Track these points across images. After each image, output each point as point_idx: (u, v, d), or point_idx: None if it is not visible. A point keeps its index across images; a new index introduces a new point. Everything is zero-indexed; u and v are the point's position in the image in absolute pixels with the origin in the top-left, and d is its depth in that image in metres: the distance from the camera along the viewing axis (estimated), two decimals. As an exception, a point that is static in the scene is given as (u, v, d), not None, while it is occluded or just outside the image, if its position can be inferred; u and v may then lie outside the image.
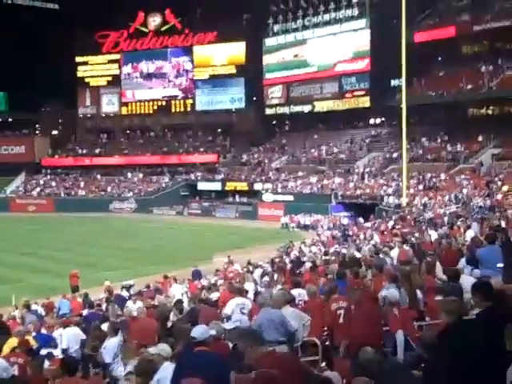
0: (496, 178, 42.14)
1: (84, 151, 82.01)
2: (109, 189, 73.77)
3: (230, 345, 7.77)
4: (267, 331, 7.69)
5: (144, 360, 6.77)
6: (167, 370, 6.54)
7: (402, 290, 9.54)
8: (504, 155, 46.75)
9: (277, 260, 24.38)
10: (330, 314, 9.10)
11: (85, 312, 17.95)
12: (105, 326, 11.40)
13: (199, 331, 6.64)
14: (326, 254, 22.39)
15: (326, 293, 10.12)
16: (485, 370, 4.92)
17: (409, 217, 39.08)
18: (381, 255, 16.91)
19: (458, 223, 29.94)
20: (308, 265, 18.47)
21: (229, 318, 10.65)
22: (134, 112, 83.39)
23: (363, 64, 64.61)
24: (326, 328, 9.56)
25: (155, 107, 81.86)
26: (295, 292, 11.19)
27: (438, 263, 12.73)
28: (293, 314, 9.13)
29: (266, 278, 15.82)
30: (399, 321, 8.20)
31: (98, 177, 77.29)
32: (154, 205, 67.05)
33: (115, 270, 31.76)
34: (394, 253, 17.56)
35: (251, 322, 9.84)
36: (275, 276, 16.81)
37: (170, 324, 10.76)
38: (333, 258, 20.21)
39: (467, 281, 9.51)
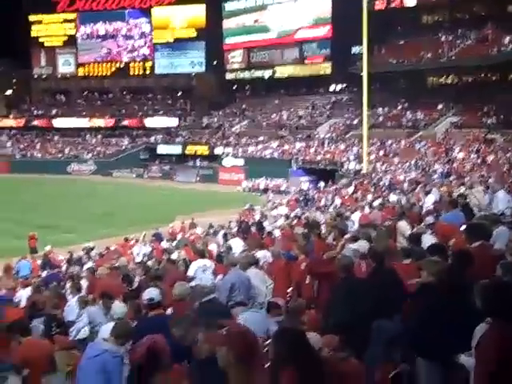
0: (454, 146, 42.79)
1: (40, 112, 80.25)
2: (66, 151, 72.48)
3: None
4: (238, 292, 7.73)
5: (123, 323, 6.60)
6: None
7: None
8: (462, 123, 47.41)
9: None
10: (299, 273, 9.22)
11: (44, 273, 17.82)
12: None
13: (154, 293, 6.67)
14: (287, 217, 22.54)
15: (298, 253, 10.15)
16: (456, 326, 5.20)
17: (366, 182, 39.70)
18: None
19: (418, 189, 30.54)
20: (270, 228, 18.60)
21: (191, 279, 10.69)
22: (91, 74, 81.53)
23: (324, 30, 64.36)
24: (290, 289, 9.69)
25: (113, 69, 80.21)
26: (260, 254, 11.25)
27: (403, 223, 12.98)
28: (257, 276, 9.24)
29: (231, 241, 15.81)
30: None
31: (55, 138, 75.83)
32: (114, 167, 66.19)
33: (74, 232, 31.50)
34: (356, 216, 17.81)
35: (216, 281, 9.90)
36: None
37: (135, 285, 10.72)
38: (295, 221, 20.37)
39: (429, 241, 9.75)
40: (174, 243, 19.19)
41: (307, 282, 8.89)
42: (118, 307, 7.58)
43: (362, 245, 9.09)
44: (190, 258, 13.11)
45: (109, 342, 5.74)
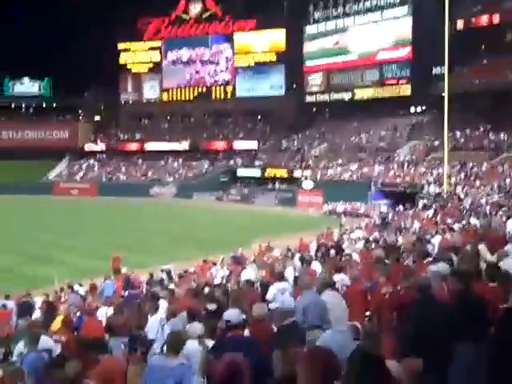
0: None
1: (126, 136, 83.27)
2: (149, 173, 74.75)
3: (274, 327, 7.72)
4: (312, 315, 7.78)
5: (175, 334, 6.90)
6: (190, 348, 6.79)
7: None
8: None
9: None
10: (379, 296, 9.22)
11: (126, 293, 18.39)
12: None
13: (233, 314, 6.76)
14: (367, 240, 22.42)
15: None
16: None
17: (449, 205, 38.91)
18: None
19: (500, 212, 29.75)
20: (349, 251, 18.61)
21: (271, 301, 10.80)
22: (174, 98, 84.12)
23: (404, 52, 63.97)
24: (367, 313, 9.67)
25: (196, 93, 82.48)
26: (337, 277, 11.25)
27: (482, 247, 12.79)
28: (334, 299, 9.19)
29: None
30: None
31: (139, 161, 78.34)
32: (194, 190, 67.66)
33: (154, 253, 32.25)
34: (436, 240, 17.58)
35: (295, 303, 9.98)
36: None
37: (214, 307, 10.92)
38: (373, 245, 20.28)
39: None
40: (253, 265, 19.41)
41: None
42: (195, 327, 7.83)
43: (443, 267, 8.88)
44: (268, 280, 13.26)
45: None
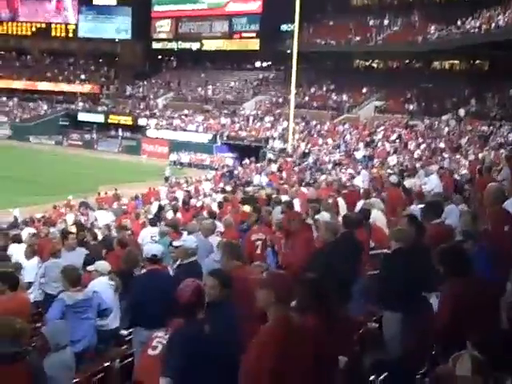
0: (378, 130, 43.75)
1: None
2: (-21, 112, 69.40)
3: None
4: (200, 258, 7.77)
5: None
6: (100, 283, 7.40)
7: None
8: (386, 108, 48.55)
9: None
10: (249, 244, 9.35)
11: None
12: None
13: (157, 249, 7.06)
14: (223, 191, 22.54)
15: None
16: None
17: (290, 159, 40.21)
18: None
19: (343, 170, 31.24)
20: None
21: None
22: (9, 32, 77.98)
23: (255, 5, 64.12)
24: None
25: (34, 29, 77.00)
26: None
27: (340, 200, 13.55)
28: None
29: (170, 213, 15.65)
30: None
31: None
32: (31, 133, 63.86)
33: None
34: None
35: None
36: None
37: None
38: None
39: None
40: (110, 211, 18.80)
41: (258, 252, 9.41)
42: (103, 264, 8.06)
43: (326, 215, 9.54)
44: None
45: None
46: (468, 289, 5.15)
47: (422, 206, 9.60)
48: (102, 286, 7.40)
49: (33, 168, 43.98)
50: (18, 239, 12.45)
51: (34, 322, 8.03)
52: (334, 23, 57.57)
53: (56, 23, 76.34)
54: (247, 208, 12.34)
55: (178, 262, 7.56)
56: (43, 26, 76.41)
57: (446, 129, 39.16)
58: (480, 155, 25.46)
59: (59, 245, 10.10)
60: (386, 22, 53.84)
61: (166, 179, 39.30)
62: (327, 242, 7.71)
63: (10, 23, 77.54)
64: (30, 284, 9.49)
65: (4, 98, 72.02)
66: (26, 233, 14.39)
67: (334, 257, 7.11)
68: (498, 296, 5.23)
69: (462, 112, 41.00)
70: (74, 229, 11.69)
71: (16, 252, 11.10)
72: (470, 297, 5.10)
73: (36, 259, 9.89)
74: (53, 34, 76.37)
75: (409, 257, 6.38)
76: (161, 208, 17.87)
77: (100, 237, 12.34)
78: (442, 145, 35.29)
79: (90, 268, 8.08)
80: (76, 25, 75.81)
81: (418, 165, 26.22)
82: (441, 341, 5.23)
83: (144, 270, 7.41)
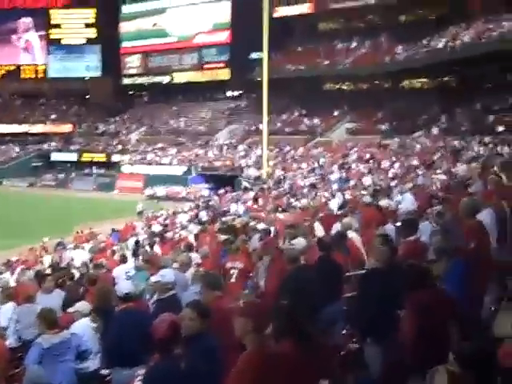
0: (351, 151, 44.01)
1: None
2: (-50, 158, 68.56)
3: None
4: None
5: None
6: (81, 324, 7.39)
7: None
8: (358, 129, 48.95)
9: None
10: (224, 271, 9.31)
11: None
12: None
13: (128, 287, 7.05)
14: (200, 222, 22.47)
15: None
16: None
17: (266, 186, 40.17)
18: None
19: (319, 193, 31.23)
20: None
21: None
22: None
23: (224, 36, 64.75)
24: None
25: (3, 71, 76.76)
26: (194, 255, 11.42)
27: (317, 224, 13.52)
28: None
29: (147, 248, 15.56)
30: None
31: None
32: (4, 176, 63.19)
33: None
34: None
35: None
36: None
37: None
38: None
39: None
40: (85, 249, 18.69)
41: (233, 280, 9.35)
42: (84, 305, 8.06)
43: (302, 241, 9.54)
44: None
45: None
46: (428, 300, 5.31)
47: (398, 224, 9.70)
48: (83, 328, 7.34)
49: (6, 211, 43.42)
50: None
51: (13, 368, 7.97)
52: (303, 49, 58.31)
53: (25, 65, 76.27)
54: (224, 238, 12.27)
55: (155, 297, 7.57)
56: (12, 68, 76.22)
57: (418, 146, 39.51)
58: (453, 170, 25.70)
59: (34, 288, 10.01)
60: (353, 44, 54.76)
61: (139, 214, 39.14)
62: (295, 268, 7.76)
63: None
64: (4, 329, 9.33)
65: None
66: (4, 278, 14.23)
67: (306, 281, 7.13)
68: (452, 306, 5.43)
69: (435, 131, 41.55)
70: (49, 271, 11.56)
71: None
72: (430, 308, 5.25)
73: (11, 304, 9.70)
74: (22, 75, 76.30)
75: (385, 276, 6.41)
76: (138, 243, 17.79)
77: (77, 276, 12.26)
78: (415, 162, 35.53)
79: (70, 310, 8.03)
80: (45, 65, 75.84)
81: (392, 184, 26.37)
82: (412, 356, 5.27)
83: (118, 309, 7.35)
